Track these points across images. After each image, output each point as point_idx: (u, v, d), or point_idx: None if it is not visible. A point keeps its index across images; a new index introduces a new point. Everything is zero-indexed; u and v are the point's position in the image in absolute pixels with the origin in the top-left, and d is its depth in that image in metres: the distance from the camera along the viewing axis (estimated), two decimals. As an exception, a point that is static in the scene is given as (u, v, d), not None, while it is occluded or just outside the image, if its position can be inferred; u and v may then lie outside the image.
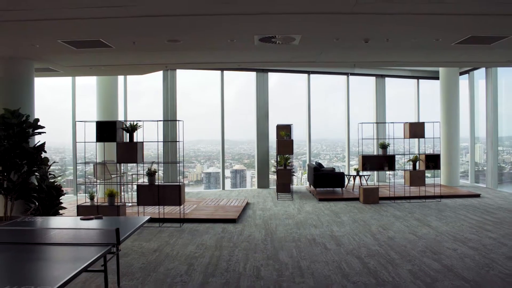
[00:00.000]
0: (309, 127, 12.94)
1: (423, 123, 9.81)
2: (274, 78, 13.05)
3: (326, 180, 10.66)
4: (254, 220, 7.74)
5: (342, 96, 13.43)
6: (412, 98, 13.99)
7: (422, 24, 5.72)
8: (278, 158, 10.75)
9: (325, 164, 12.80)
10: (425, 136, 9.80)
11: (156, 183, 7.25)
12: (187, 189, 11.73)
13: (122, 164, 9.66)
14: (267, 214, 8.29)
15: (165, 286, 4.31)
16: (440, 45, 6.89)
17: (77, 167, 11.42)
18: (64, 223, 4.58)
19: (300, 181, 13.97)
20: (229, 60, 9.08)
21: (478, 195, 10.22)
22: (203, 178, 13.50)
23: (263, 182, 12.54)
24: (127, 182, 10.01)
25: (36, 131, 6.71)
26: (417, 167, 9.81)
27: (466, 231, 6.62)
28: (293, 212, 8.47)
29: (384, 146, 9.78)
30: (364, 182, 11.06)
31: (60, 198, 6.80)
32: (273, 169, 12.40)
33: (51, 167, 7.07)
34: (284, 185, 10.69)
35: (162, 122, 11.19)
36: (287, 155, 10.57)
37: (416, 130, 9.74)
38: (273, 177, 12.45)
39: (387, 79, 13.65)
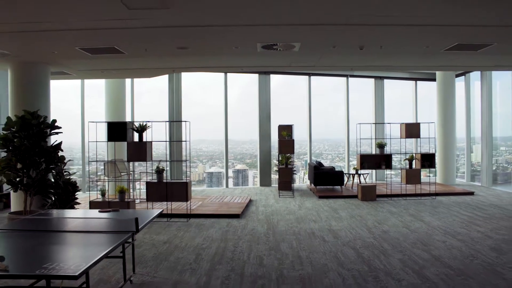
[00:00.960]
0: (310, 127, 13.33)
1: (418, 124, 10.23)
2: (276, 80, 13.36)
3: (326, 178, 11.07)
4: (257, 215, 8.18)
5: (342, 97, 13.82)
6: (410, 99, 14.36)
7: (411, 33, 6.18)
8: (280, 157, 11.18)
9: (327, 163, 13.19)
10: (421, 136, 10.21)
11: (164, 181, 7.71)
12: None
13: (131, 163, 10.13)
14: (269, 210, 8.72)
15: (176, 273, 4.75)
16: (430, 52, 7.33)
17: (86, 166, 11.84)
18: (84, 214, 5.03)
19: (302, 180, 14.31)
20: (233, 64, 9.49)
21: (472, 193, 10.56)
22: (205, 177, 13.78)
23: (265, 181, 12.89)
24: (135, 179, 10.47)
25: (53, 131, 7.18)
26: (413, 166, 10.23)
27: (457, 226, 7.03)
28: (294, 208, 8.90)
29: (381, 146, 10.20)
30: (362, 180, 11.48)
31: (76, 193, 7.26)
32: (275, 168, 12.79)
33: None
34: (286, 183, 11.11)
35: (168, 122, 11.62)
36: (288, 154, 11.00)
37: (412, 130, 10.15)
38: (275, 176, 12.83)
39: (385, 80, 13.98)
